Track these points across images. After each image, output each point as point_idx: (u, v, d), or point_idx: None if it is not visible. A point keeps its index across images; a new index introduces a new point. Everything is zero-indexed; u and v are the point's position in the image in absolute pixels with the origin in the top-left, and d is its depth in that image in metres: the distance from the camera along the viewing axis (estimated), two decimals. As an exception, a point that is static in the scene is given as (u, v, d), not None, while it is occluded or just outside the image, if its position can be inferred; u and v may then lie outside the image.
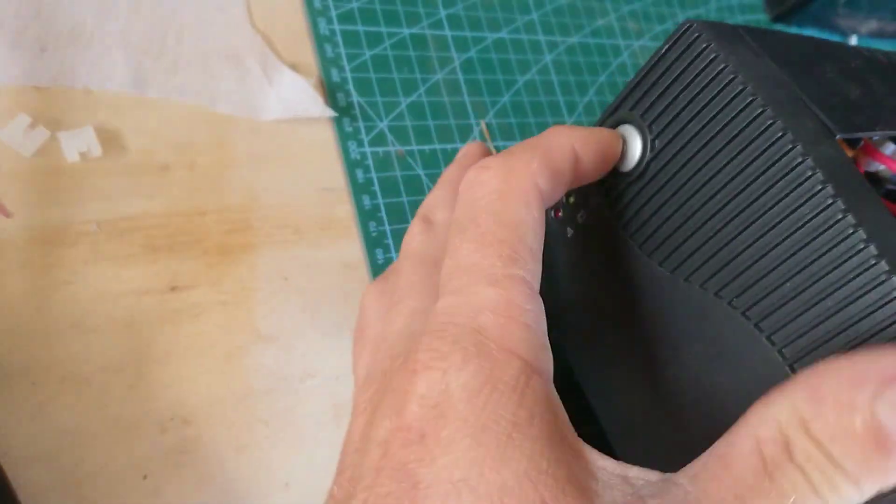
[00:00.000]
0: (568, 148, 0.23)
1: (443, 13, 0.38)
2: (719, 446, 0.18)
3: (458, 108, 0.36)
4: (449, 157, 0.35)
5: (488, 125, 0.37)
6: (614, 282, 0.27)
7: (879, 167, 0.30)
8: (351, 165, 0.32)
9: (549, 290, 0.30)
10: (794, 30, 0.54)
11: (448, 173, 0.29)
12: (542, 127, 0.38)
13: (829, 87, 0.24)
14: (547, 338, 0.19)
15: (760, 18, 0.52)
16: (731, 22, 0.48)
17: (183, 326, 0.27)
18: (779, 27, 0.53)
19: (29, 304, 0.25)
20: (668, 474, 0.18)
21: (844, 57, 0.26)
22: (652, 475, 0.17)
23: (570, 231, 0.29)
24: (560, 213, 0.29)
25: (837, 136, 0.22)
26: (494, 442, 0.16)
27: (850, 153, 0.26)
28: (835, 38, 0.56)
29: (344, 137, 0.33)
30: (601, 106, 0.41)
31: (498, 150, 0.37)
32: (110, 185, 0.28)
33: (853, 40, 0.56)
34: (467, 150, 0.30)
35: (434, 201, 0.28)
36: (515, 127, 0.38)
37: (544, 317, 0.20)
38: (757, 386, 0.21)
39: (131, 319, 0.27)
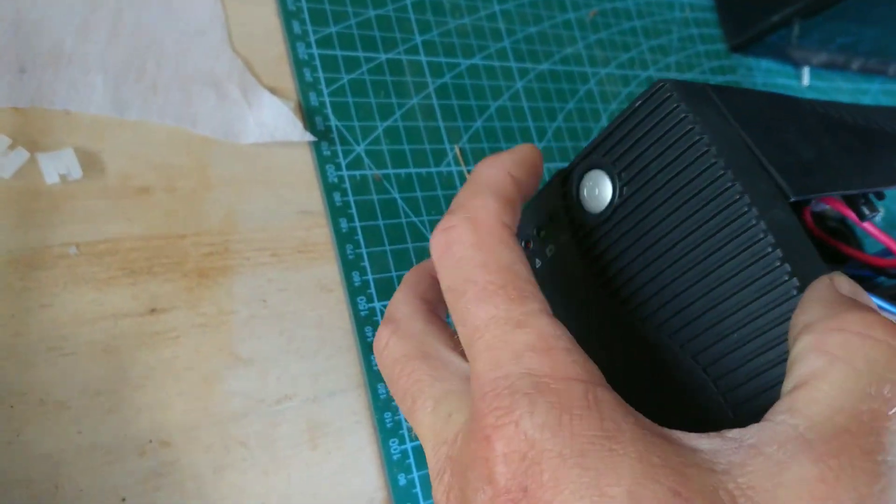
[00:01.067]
0: (507, 177, 0.24)
1: (418, 39, 0.39)
2: (793, 377, 0.19)
3: (432, 132, 0.37)
4: (423, 181, 0.36)
5: (462, 150, 0.38)
6: (575, 317, 0.28)
7: (825, 207, 0.32)
8: (329, 189, 0.33)
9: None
10: (751, 60, 0.56)
11: (406, 276, 0.28)
12: (513, 152, 0.39)
13: (785, 149, 0.25)
14: (583, 350, 0.20)
15: (720, 48, 0.54)
16: (693, 51, 0.50)
17: (161, 350, 0.28)
18: (737, 57, 0.55)
19: (6, 328, 0.25)
20: (762, 422, 0.18)
21: (801, 114, 0.28)
22: (746, 429, 0.18)
23: (538, 262, 0.30)
24: (530, 245, 0.30)
25: (791, 199, 0.23)
26: (599, 460, 0.16)
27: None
28: (788, 68, 0.59)
29: (322, 161, 0.33)
30: (569, 132, 0.42)
31: (471, 174, 0.37)
32: (90, 207, 0.28)
33: (806, 72, 0.59)
34: (426, 263, 0.29)
35: (394, 304, 0.27)
36: (488, 151, 0.38)
37: (569, 333, 0.21)
38: (703, 427, 0.23)
39: (110, 343, 0.27)
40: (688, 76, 0.51)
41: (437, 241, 0.22)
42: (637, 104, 0.25)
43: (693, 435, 0.19)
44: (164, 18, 0.31)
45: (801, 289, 0.21)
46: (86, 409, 0.26)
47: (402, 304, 0.26)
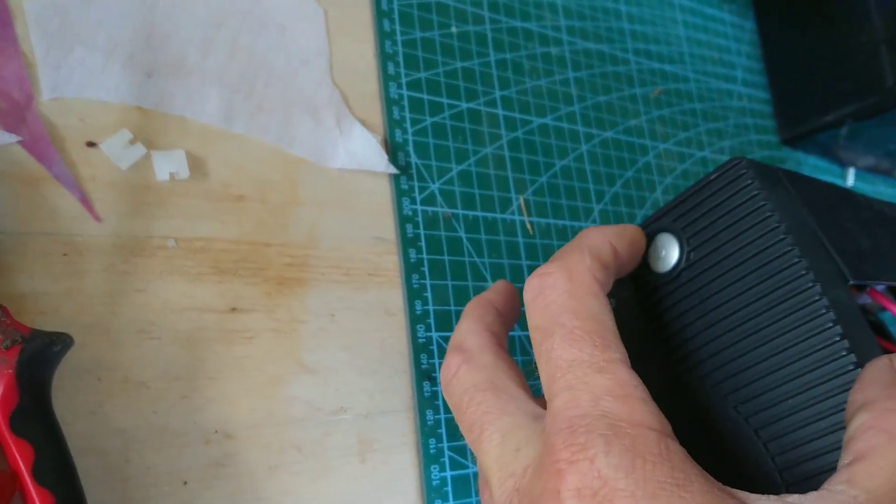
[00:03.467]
0: (607, 244, 0.26)
1: (497, 94, 0.41)
2: (851, 451, 0.20)
3: (501, 181, 0.39)
4: (488, 225, 0.38)
5: (526, 201, 0.40)
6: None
7: (867, 300, 0.33)
8: (402, 220, 0.35)
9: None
10: (799, 154, 0.58)
11: (470, 307, 0.29)
12: (571, 209, 0.41)
13: (845, 235, 0.27)
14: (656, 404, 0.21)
15: (771, 140, 0.57)
16: (746, 139, 0.52)
17: (236, 347, 0.29)
18: (786, 151, 0.57)
19: (105, 306, 0.27)
20: (820, 490, 0.19)
21: (858, 206, 0.30)
22: (806, 496, 0.19)
23: None
24: None
25: (850, 282, 0.25)
26: None
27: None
28: (835, 167, 0.61)
29: (399, 193, 0.35)
30: (625, 198, 0.44)
31: (533, 224, 0.39)
32: (191, 206, 0.30)
33: (851, 173, 0.61)
34: (496, 286, 0.30)
35: (462, 333, 0.27)
36: (549, 206, 0.41)
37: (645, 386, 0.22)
38: (751, 489, 0.24)
39: (192, 333, 0.28)
40: (740, 161, 0.53)
41: (532, 284, 0.24)
42: (713, 177, 0.27)
43: (754, 496, 0.20)
44: (277, 45, 0.34)
45: (858, 364, 0.23)
46: (163, 392, 0.27)
47: (472, 335, 0.27)
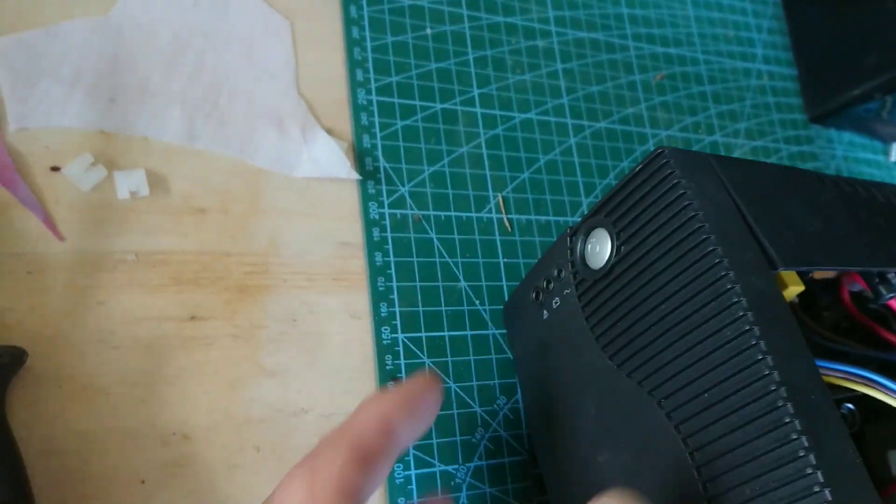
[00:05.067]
0: (380, 424, 0.22)
1: (476, 92, 0.41)
2: None
3: (478, 180, 0.39)
4: (462, 224, 0.38)
5: (505, 198, 0.40)
6: (572, 366, 0.29)
7: (861, 287, 0.31)
8: (369, 224, 0.36)
9: (526, 364, 0.33)
10: (831, 132, 0.55)
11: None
12: (556, 204, 0.41)
13: (786, 222, 0.26)
14: None
15: (798, 118, 0.54)
16: (766, 119, 0.50)
17: (195, 353, 0.31)
18: (816, 128, 0.54)
19: (67, 318, 0.29)
20: None
21: (816, 190, 0.28)
22: None
23: (545, 314, 0.31)
24: (540, 296, 0.31)
25: (779, 269, 0.24)
26: None
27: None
28: (876, 143, 0.57)
29: (366, 198, 0.36)
30: (619, 189, 0.43)
31: (512, 221, 0.39)
32: (152, 221, 0.32)
33: (894, 147, 0.57)
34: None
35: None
36: (531, 202, 0.40)
37: None
38: (668, 487, 0.23)
39: (151, 341, 0.30)
40: (758, 143, 0.50)
41: (280, 487, 0.21)
42: (637, 169, 0.26)
43: None
44: (242, 61, 0.36)
45: (767, 353, 0.21)
46: (122, 397, 0.29)
47: None
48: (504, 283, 0.38)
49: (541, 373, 0.31)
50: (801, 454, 0.20)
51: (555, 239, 0.40)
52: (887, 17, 0.48)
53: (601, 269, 0.28)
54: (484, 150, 0.40)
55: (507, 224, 0.39)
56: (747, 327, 0.22)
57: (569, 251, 0.30)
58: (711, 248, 0.23)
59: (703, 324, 0.23)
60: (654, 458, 0.25)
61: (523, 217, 0.40)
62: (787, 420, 0.20)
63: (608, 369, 0.27)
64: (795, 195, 0.27)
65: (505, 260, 0.38)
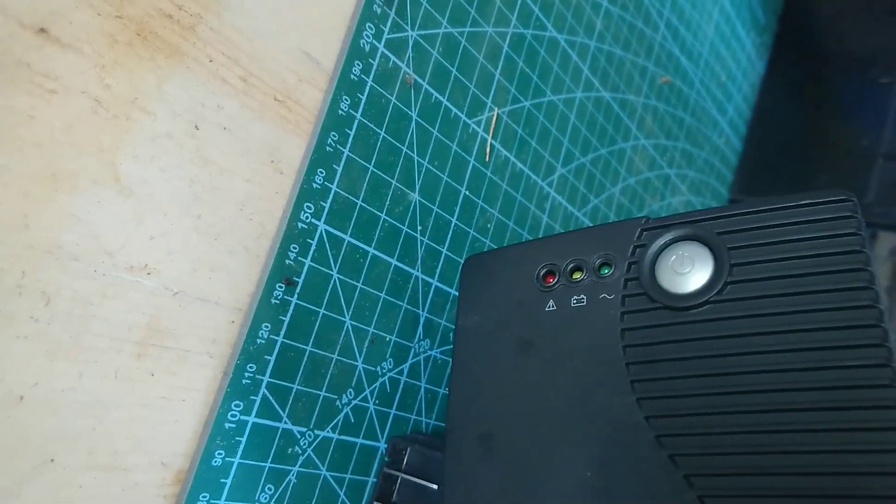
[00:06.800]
0: None
1: (528, -30, 0.30)
2: None
3: (484, 78, 0.29)
4: (449, 121, 0.27)
5: (499, 117, 0.30)
6: (572, 398, 0.21)
7: None
8: (353, 52, 0.23)
9: (480, 348, 0.23)
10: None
11: None
12: (536, 157, 0.32)
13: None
14: None
15: (722, 193, 0.51)
16: (705, 179, 0.46)
17: (19, 95, 0.16)
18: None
19: None
20: None
21: None
22: None
23: (551, 305, 0.22)
24: (552, 279, 0.22)
25: None
26: None
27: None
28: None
29: (365, 16, 0.24)
30: (588, 176, 0.35)
31: (493, 150, 0.29)
32: None
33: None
34: None
35: None
36: (517, 139, 0.31)
37: None
38: None
39: (-55, 28, 0.15)
40: (693, 199, 0.46)
41: None
42: (806, 202, 0.19)
43: None
44: None
45: None
46: None
47: None
48: (454, 220, 0.28)
49: (504, 377, 0.22)
50: None
51: (521, 195, 0.31)
52: (854, 151, 0.47)
53: (682, 296, 0.20)
54: (503, 45, 0.29)
55: (487, 150, 0.29)
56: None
57: (637, 248, 0.21)
58: (877, 336, 0.17)
59: (825, 409, 0.17)
60: None
61: (503, 152, 0.30)
62: None
63: (635, 430, 0.19)
64: None
65: (466, 192, 0.28)
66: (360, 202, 0.24)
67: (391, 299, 0.26)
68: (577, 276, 0.22)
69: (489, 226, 0.30)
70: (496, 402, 0.22)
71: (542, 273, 0.23)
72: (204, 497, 0.21)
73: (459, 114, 0.28)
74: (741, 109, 0.51)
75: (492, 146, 0.29)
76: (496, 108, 0.29)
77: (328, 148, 0.23)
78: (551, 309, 0.22)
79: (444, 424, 0.25)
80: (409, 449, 0.26)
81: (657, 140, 0.41)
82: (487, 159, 0.29)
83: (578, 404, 0.20)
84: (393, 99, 0.25)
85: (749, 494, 0.17)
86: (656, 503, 0.18)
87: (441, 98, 0.27)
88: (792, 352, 0.18)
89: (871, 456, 0.16)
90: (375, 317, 0.25)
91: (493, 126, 0.29)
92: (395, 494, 0.26)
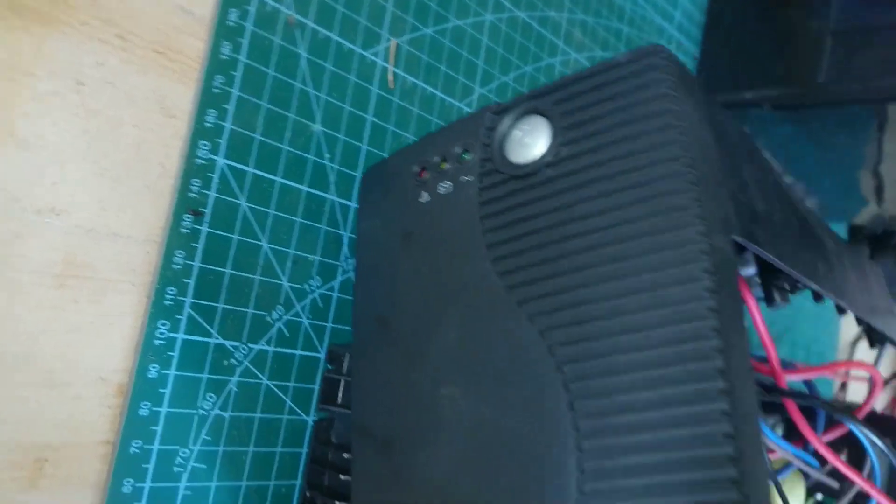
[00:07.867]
0: None
1: None
2: None
3: (377, 9, 0.31)
4: (340, 54, 0.29)
5: (398, 47, 0.32)
6: (441, 271, 0.23)
7: (750, 273, 0.28)
8: (228, 2, 0.26)
9: (374, 251, 0.26)
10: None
11: None
12: (448, 80, 0.34)
13: (742, 187, 0.22)
14: None
15: (683, 98, 0.51)
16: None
17: None
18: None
19: None
20: None
21: (763, 168, 0.25)
22: None
23: (425, 196, 0.24)
24: (424, 174, 0.25)
25: (734, 237, 0.20)
26: None
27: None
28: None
29: (234, -35, 0.26)
30: (513, 93, 0.37)
31: (396, 78, 0.31)
32: None
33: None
34: None
35: None
36: (423, 65, 0.33)
37: None
38: (543, 447, 0.19)
39: None
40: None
41: None
42: (621, 60, 0.20)
43: None
44: None
45: (719, 331, 0.17)
46: None
47: None
48: (364, 145, 0.30)
49: (392, 267, 0.25)
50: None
51: (436, 117, 0.33)
52: (805, 32, 0.47)
53: (526, 164, 0.21)
54: (393, -20, 0.31)
55: (390, 79, 0.31)
56: (707, 294, 0.17)
57: (486, 131, 0.23)
58: (684, 190, 0.18)
59: (644, 272, 0.18)
60: (523, 416, 0.19)
61: (409, 78, 0.32)
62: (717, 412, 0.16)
63: (493, 289, 0.21)
64: (749, 165, 0.23)
65: (373, 119, 0.31)
66: (258, 136, 0.27)
67: (308, 222, 0.28)
68: (444, 166, 0.24)
69: (405, 149, 0.32)
70: (388, 290, 0.24)
71: (414, 168, 0.25)
72: (145, 405, 0.24)
73: (353, 47, 0.30)
74: (691, 12, 0.51)
75: (395, 74, 0.31)
76: (393, 39, 0.31)
77: (215, 90, 0.26)
78: (425, 200, 0.24)
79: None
80: (346, 354, 0.29)
81: (592, 52, 0.43)
82: (392, 87, 0.31)
83: (451, 278, 0.23)
84: (277, 40, 0.27)
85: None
86: (507, 352, 0.20)
87: (330, 34, 0.29)
88: (610, 212, 0.19)
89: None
90: (294, 240, 0.28)
91: (392, 55, 0.31)
92: (339, 397, 0.29)
